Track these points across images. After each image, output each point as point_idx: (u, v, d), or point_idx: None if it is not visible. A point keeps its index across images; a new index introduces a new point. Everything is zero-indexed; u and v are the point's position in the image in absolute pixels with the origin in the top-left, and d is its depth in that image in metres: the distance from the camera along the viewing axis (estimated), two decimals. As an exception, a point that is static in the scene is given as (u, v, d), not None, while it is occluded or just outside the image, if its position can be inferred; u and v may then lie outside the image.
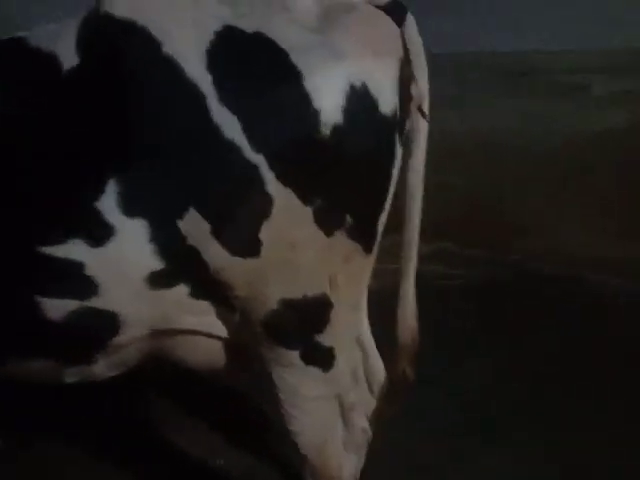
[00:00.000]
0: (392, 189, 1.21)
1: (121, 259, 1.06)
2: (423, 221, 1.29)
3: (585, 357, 2.24)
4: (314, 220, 1.08)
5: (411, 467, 1.69)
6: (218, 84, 1.00)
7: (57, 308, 1.07)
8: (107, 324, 1.11)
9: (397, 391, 1.52)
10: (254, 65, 1.01)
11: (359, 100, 1.06)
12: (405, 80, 1.14)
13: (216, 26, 1.02)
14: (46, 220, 1.03)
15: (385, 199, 1.18)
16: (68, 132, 1.02)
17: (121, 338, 1.14)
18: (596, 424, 1.89)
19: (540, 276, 3.15)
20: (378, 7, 1.13)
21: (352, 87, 1.05)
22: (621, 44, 3.47)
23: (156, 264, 1.08)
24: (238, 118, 1.00)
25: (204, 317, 1.18)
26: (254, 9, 1.06)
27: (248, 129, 1.01)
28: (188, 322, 1.18)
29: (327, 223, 1.09)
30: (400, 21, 1.17)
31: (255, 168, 1.02)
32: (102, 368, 1.21)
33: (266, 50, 1.01)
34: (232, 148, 1.01)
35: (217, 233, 1.06)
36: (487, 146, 3.75)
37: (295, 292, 1.13)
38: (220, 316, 1.19)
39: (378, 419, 1.61)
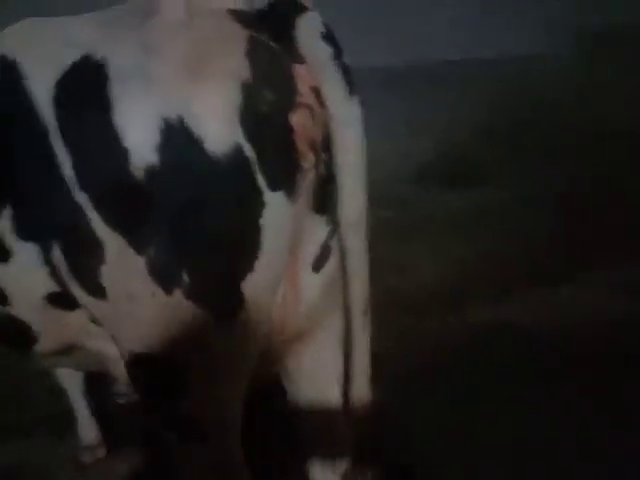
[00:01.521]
0: (270, 245, 0.94)
1: (22, 277, 1.13)
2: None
3: None
4: (148, 272, 0.93)
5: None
6: (59, 117, 0.94)
7: None
8: (24, 331, 1.22)
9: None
10: (85, 95, 0.91)
11: (177, 137, 0.85)
12: (263, 106, 0.85)
13: (75, 55, 0.95)
14: None
15: (250, 258, 0.93)
16: None
17: (42, 347, 1.24)
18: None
19: None
20: (245, 12, 0.86)
21: (166, 121, 0.85)
22: None
23: (52, 286, 1.11)
24: (70, 153, 0.93)
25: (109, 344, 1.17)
26: (122, 26, 0.95)
27: (76, 166, 0.93)
28: (95, 345, 1.19)
29: (163, 278, 0.93)
30: (286, 25, 0.87)
31: (82, 208, 0.94)
32: (56, 364, 1.36)
33: (97, 77, 0.90)
34: (66, 185, 0.95)
35: (73, 271, 1.03)
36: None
37: (141, 347, 1.00)
38: None
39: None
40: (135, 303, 0.97)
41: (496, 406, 2.09)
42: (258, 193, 0.90)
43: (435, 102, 3.41)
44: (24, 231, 1.10)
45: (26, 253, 1.11)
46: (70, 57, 0.96)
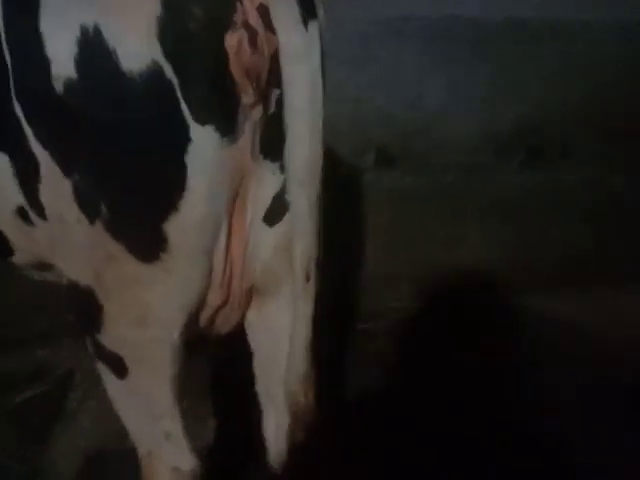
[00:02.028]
0: (198, 185, 0.84)
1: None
2: None
3: None
4: (73, 197, 0.87)
5: None
6: (5, 23, 0.86)
7: None
8: (3, 241, 1.24)
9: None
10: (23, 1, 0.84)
11: (93, 49, 0.75)
12: (189, 22, 0.72)
13: None
14: None
15: (174, 197, 0.83)
16: None
17: (18, 259, 1.26)
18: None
19: None
20: None
21: (84, 31, 0.75)
22: None
23: (19, 200, 1.11)
24: (11, 60, 0.86)
25: None
26: None
27: (13, 76, 0.86)
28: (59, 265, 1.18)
29: (86, 206, 0.87)
30: None
31: (19, 120, 0.88)
32: (43, 277, 1.38)
33: None
34: (10, 96, 0.90)
35: (21, 187, 1.00)
36: None
37: (72, 273, 0.97)
38: None
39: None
40: (65, 227, 0.93)
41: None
42: (182, 125, 0.79)
43: (533, 65, 3.01)
44: None
45: (1, 163, 1.11)
46: None
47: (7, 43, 0.86)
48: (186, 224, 0.87)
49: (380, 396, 2.08)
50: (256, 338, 1.21)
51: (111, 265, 0.90)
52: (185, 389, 1.10)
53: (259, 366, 1.24)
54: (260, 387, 1.27)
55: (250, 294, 1.11)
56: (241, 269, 1.01)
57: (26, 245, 1.22)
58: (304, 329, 0.98)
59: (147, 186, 0.84)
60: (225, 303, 1.07)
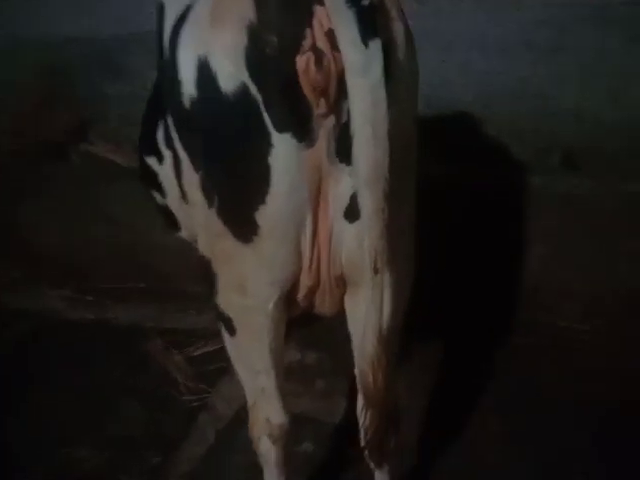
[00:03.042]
0: (281, 182, 1.01)
1: (168, 177, 1.45)
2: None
3: None
4: (200, 188, 1.12)
5: None
6: (168, 54, 1.13)
7: (158, 199, 1.63)
8: (174, 220, 1.57)
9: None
10: (176, 37, 1.07)
11: (205, 74, 0.97)
12: (267, 49, 0.87)
13: (184, 6, 1.10)
14: (147, 136, 1.51)
15: (262, 191, 1.01)
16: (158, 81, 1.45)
17: (184, 234, 1.58)
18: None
19: None
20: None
21: (199, 58, 0.98)
22: None
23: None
24: (166, 83, 1.14)
25: None
26: None
27: (168, 93, 1.14)
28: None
29: (206, 194, 1.11)
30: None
31: (169, 124, 1.18)
32: None
33: (182, 22, 1.06)
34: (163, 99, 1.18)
35: (175, 177, 1.29)
36: None
37: (200, 247, 1.23)
38: None
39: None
40: (196, 210, 1.19)
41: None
42: (265, 133, 0.97)
43: None
44: (165, 139, 1.38)
45: (168, 158, 1.43)
46: (182, 8, 1.13)
47: (163, 70, 1.15)
48: (272, 214, 1.05)
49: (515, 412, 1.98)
50: (349, 324, 1.34)
51: (219, 242, 1.14)
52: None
53: (354, 350, 1.36)
54: (355, 370, 1.39)
55: (342, 281, 1.24)
56: (327, 256, 1.15)
57: (184, 222, 1.56)
58: (373, 315, 1.07)
59: (241, 182, 1.05)
60: (317, 286, 1.22)
